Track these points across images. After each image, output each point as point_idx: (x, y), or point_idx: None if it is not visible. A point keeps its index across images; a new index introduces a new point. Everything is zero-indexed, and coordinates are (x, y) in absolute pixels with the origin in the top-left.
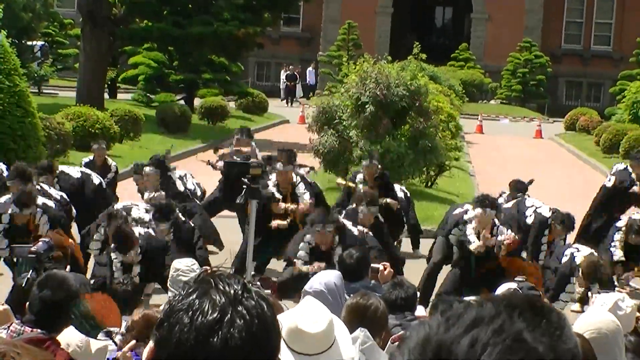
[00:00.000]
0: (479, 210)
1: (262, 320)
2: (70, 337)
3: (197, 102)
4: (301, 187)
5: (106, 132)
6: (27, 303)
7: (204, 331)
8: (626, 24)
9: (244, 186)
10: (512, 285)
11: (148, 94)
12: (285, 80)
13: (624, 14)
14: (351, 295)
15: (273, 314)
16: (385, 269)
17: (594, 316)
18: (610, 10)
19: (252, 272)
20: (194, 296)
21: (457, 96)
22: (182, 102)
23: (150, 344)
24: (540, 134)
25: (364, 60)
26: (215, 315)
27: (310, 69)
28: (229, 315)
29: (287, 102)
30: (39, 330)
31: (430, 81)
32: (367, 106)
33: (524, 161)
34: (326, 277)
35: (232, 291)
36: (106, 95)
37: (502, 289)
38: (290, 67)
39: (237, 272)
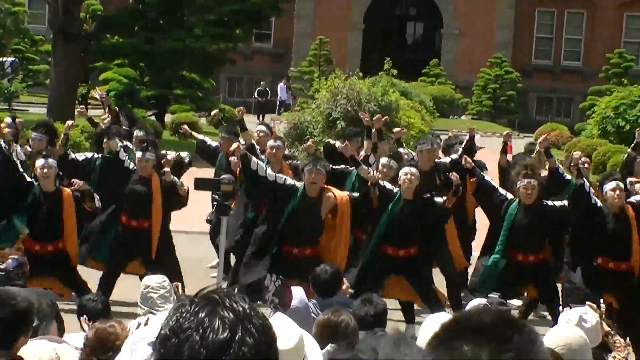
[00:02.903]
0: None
1: (268, 338)
2: (40, 351)
3: (168, 117)
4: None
5: (77, 148)
6: None
7: (215, 349)
8: (596, 39)
9: (215, 203)
10: (482, 300)
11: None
12: (257, 96)
13: (593, 30)
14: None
15: (274, 332)
16: (343, 284)
17: (563, 331)
18: (580, 26)
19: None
20: (203, 314)
21: (428, 112)
22: (153, 117)
23: None
24: (511, 149)
25: (335, 76)
26: (226, 334)
27: (281, 84)
28: (239, 334)
29: (258, 118)
30: None
31: (401, 97)
32: (338, 122)
33: (495, 176)
34: (299, 294)
35: (240, 309)
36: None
37: (472, 304)
38: (262, 82)
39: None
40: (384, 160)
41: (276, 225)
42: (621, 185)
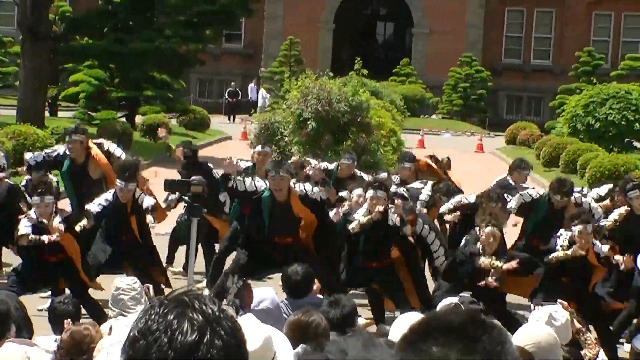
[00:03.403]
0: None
1: (237, 340)
2: (11, 353)
3: (138, 119)
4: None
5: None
6: None
7: (183, 351)
8: (565, 38)
9: (185, 204)
10: (453, 299)
11: (89, 112)
12: (227, 97)
13: (563, 28)
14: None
15: (243, 334)
16: (314, 284)
17: (532, 330)
18: (550, 25)
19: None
20: (172, 316)
21: (398, 111)
22: (123, 119)
23: None
24: (481, 148)
25: (306, 76)
26: (194, 336)
27: (252, 85)
28: (208, 336)
29: (229, 119)
30: None
31: (372, 96)
32: (308, 122)
33: (466, 175)
34: (271, 295)
35: (209, 311)
36: (47, 113)
37: (442, 304)
38: (232, 83)
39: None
40: (358, 191)
41: (261, 228)
42: None
